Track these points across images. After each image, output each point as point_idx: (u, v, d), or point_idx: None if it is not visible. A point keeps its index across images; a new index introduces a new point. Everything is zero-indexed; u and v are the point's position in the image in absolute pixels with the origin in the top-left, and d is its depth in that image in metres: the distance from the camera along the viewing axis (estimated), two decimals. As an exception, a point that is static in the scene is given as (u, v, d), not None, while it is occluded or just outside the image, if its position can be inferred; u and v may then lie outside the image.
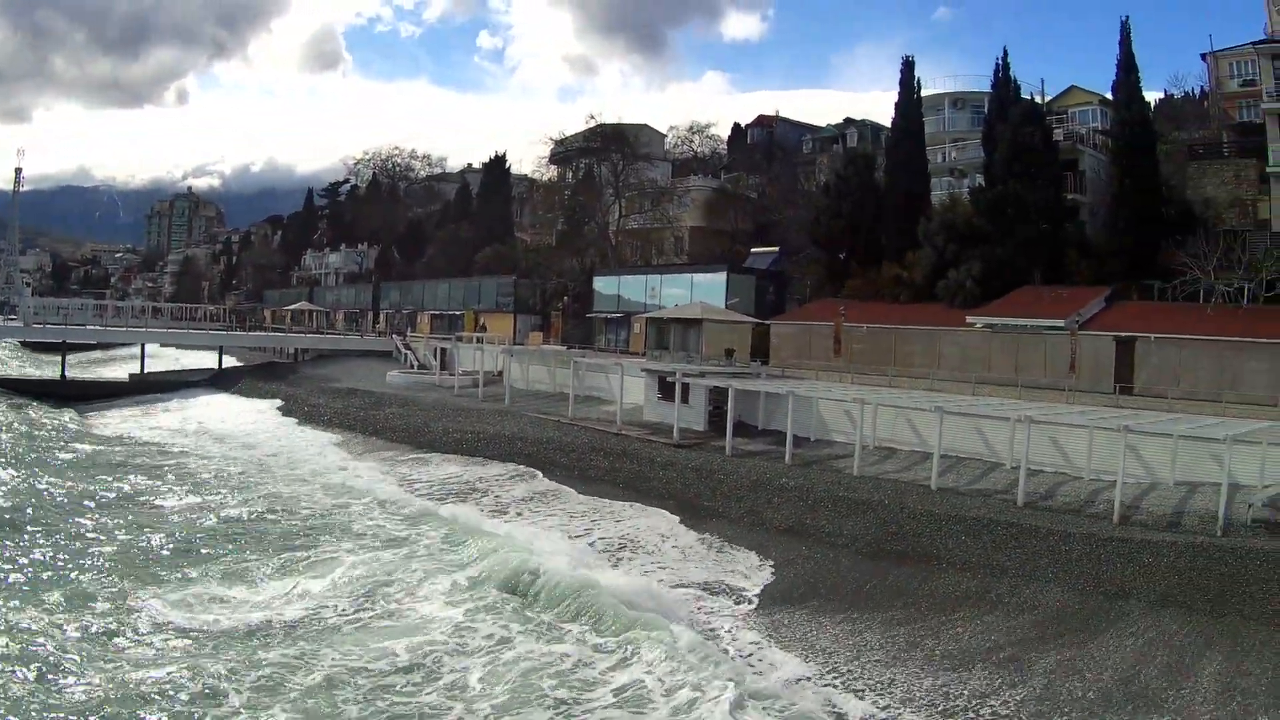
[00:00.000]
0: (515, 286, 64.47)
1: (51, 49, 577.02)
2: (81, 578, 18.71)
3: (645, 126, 75.13)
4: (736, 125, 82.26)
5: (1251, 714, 13.56)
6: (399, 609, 18.01)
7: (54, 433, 38.86)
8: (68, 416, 43.56)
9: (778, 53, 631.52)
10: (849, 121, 71.23)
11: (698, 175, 69.02)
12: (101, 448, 35.32)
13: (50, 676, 14.00)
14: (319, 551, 21.54)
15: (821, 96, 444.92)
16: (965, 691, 14.54)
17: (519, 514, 25.65)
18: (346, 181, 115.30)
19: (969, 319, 36.35)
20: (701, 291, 47.42)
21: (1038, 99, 44.50)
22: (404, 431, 38.27)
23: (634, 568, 20.91)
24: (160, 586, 18.50)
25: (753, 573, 20.69)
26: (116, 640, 15.67)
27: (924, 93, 46.61)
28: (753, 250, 56.28)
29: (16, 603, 16.81)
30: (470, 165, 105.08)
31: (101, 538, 21.77)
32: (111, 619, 16.49)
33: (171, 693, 13.67)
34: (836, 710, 14.06)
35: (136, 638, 15.87)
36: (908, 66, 45.43)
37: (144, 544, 21.48)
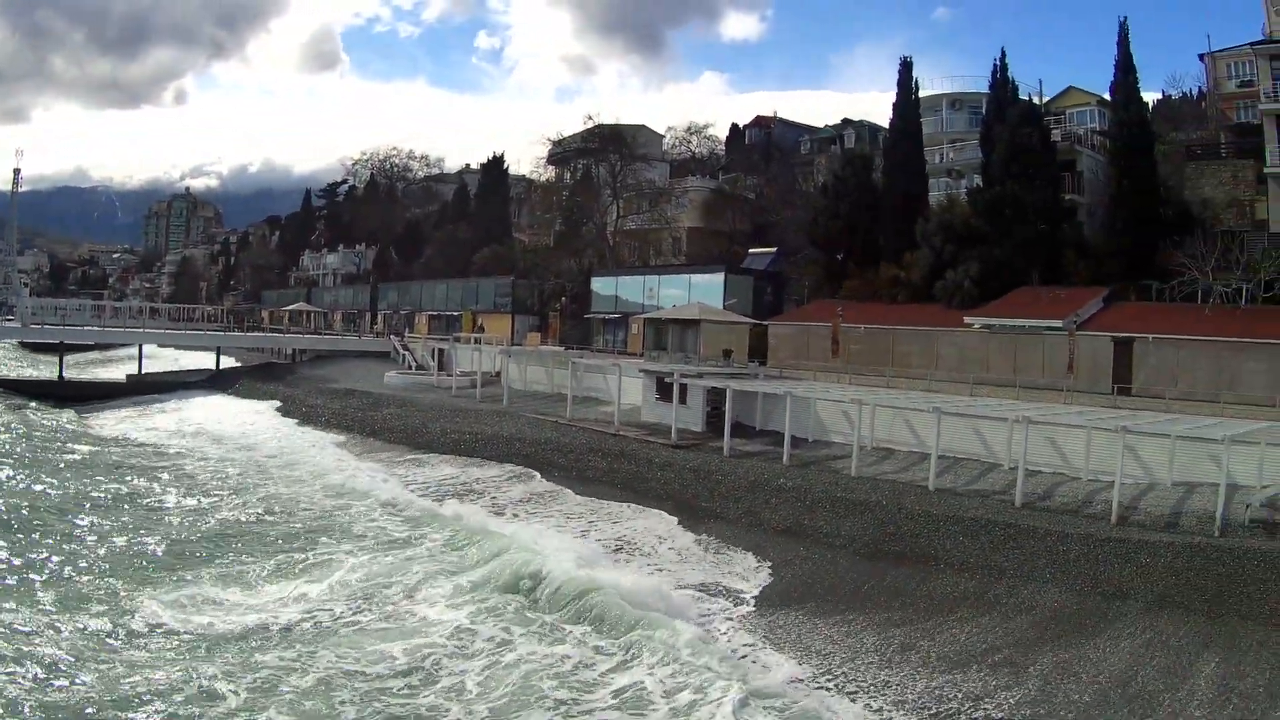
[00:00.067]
0: (513, 287, 64.42)
1: (50, 49, 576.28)
2: (77, 579, 18.68)
3: (643, 127, 75.17)
4: (734, 126, 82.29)
5: (1249, 717, 13.53)
6: (399, 611, 17.96)
7: (51, 433, 38.78)
8: (65, 417, 43.50)
9: (776, 53, 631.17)
10: (847, 122, 71.21)
11: (696, 176, 68.97)
12: (99, 448, 35.26)
13: (45, 678, 13.95)
14: (318, 553, 21.48)
15: (819, 97, 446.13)
16: (959, 694, 14.50)
17: (515, 515, 25.60)
18: (344, 182, 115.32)
19: (967, 319, 36.36)
20: (699, 292, 47.43)
21: (1036, 100, 44.53)
22: (402, 432, 38.24)
23: (631, 569, 20.86)
24: (156, 588, 18.45)
25: (750, 574, 20.64)
26: (111, 642, 15.62)
27: (922, 93, 46.64)
28: (750, 251, 56.25)
29: (12, 603, 16.77)
30: (468, 166, 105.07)
31: (97, 539, 21.73)
32: (106, 620, 16.45)
33: (167, 694, 13.63)
34: (830, 713, 14.00)
35: (132, 639, 15.82)
36: (906, 67, 45.48)
37: (140, 545, 21.43)
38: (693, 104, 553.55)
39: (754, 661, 15.78)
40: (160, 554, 20.92)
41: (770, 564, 21.17)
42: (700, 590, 19.45)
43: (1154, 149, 39.14)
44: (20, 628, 15.64)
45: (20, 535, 21.44)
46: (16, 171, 76.16)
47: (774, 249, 53.89)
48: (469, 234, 77.77)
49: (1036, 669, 15.18)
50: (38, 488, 26.94)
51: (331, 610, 17.83)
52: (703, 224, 62.59)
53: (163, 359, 69.06)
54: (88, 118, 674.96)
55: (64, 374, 55.50)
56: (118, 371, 63.42)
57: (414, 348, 60.23)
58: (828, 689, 14.79)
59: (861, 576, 19.98)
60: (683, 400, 32.72)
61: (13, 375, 62.46)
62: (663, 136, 77.76)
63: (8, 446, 33.76)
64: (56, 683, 13.86)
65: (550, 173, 76.05)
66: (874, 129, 64.13)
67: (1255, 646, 15.37)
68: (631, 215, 65.64)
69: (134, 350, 62.38)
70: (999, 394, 32.15)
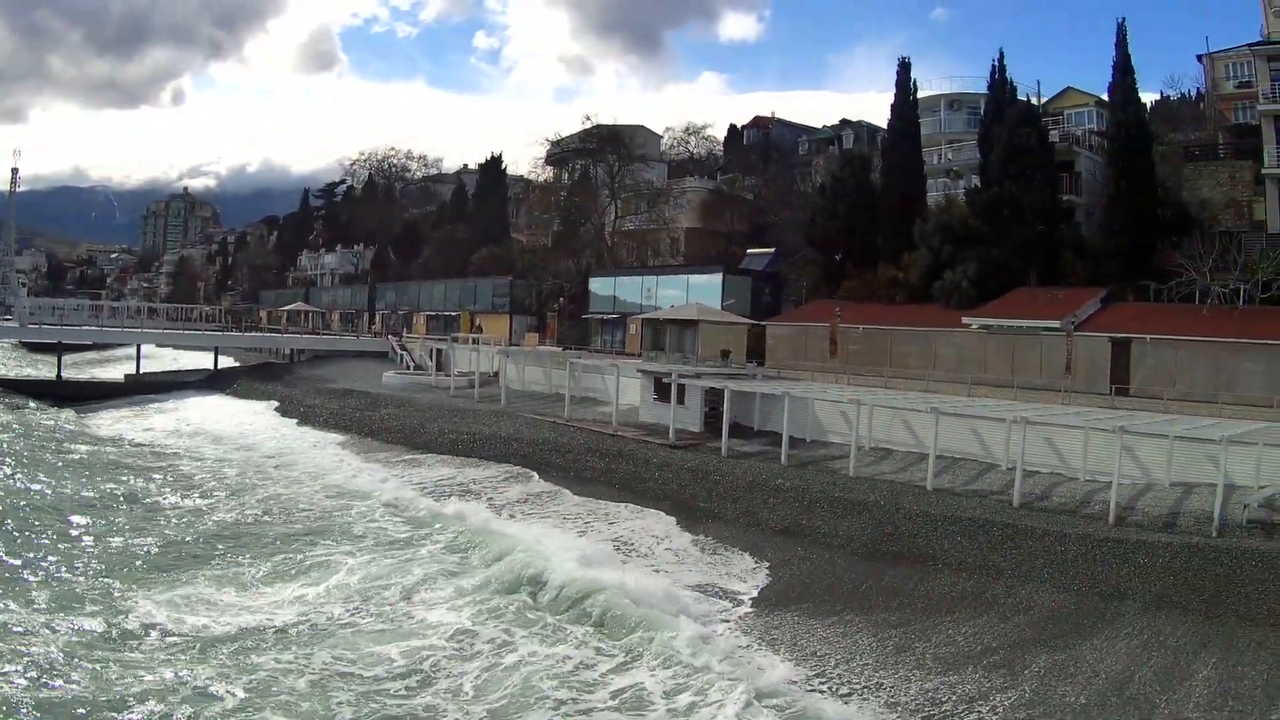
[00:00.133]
0: (511, 287, 64.35)
1: (48, 49, 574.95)
2: (73, 578, 18.62)
3: (641, 127, 75.13)
4: (733, 126, 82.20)
5: (1246, 719, 13.50)
6: (398, 612, 17.92)
7: (49, 433, 38.70)
8: (64, 417, 43.44)
9: (774, 54, 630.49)
10: (845, 123, 71.27)
11: (694, 176, 68.96)
12: (96, 448, 35.22)
13: (39, 678, 13.89)
14: (317, 554, 21.43)
15: (818, 98, 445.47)
16: (954, 696, 14.43)
17: (513, 515, 25.56)
18: (342, 182, 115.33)
19: (965, 320, 36.37)
20: (697, 293, 47.38)
21: (1034, 100, 44.54)
22: (399, 432, 38.18)
23: (634, 569, 20.80)
24: (152, 588, 18.40)
25: (748, 575, 20.60)
26: (106, 642, 15.56)
27: (920, 94, 46.67)
28: (749, 251, 56.21)
29: (6, 603, 16.71)
30: (466, 166, 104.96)
31: (94, 539, 21.68)
32: (101, 620, 16.40)
33: (161, 695, 13.59)
34: (823, 715, 13.96)
35: (126, 640, 15.77)
36: (904, 68, 45.50)
37: (137, 545, 21.38)
38: (691, 104, 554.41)
39: (750, 663, 15.74)
40: (156, 554, 20.86)
41: (768, 564, 21.14)
42: (698, 591, 19.39)
43: (1152, 150, 39.17)
44: (15, 627, 15.58)
45: (16, 534, 21.37)
46: (14, 171, 76.28)
47: (772, 249, 53.86)
48: (467, 234, 77.73)
49: (1033, 670, 15.13)
50: (35, 487, 26.89)
51: (329, 612, 17.78)
52: (701, 224, 62.58)
53: (161, 359, 68.91)
54: (86, 118, 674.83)
55: (62, 374, 55.49)
56: (116, 371, 63.38)
57: (412, 348, 60.17)
58: (821, 691, 14.73)
59: (859, 577, 19.95)
60: (680, 400, 32.71)
61: (11, 375, 62.39)
62: (661, 137, 77.72)
63: (6, 446, 33.66)
64: (51, 683, 13.81)
65: (548, 173, 75.99)
66: (872, 129, 64.18)
67: (1253, 647, 15.35)
68: (629, 215, 65.59)
69: (132, 350, 62.23)
70: (997, 394, 32.13)
